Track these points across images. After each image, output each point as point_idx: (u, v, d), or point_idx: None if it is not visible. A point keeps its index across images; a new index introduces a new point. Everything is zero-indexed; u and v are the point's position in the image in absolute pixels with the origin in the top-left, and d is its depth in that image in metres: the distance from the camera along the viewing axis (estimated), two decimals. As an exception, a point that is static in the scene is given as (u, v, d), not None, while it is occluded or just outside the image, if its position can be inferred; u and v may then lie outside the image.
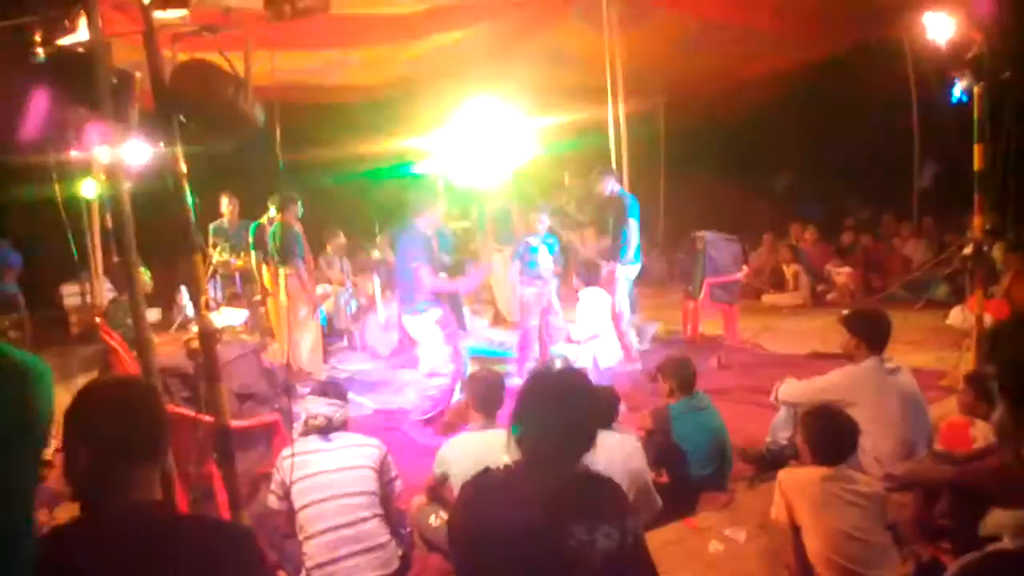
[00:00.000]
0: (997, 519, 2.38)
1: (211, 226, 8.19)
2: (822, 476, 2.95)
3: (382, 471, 3.58)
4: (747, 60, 9.48)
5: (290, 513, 3.50)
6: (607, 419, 4.01)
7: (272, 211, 7.33)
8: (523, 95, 7.63)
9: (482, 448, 3.48)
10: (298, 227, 7.24)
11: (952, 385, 5.39)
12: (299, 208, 7.27)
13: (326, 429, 3.61)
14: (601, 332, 6.08)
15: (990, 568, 1.16)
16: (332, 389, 3.79)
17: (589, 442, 2.01)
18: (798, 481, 2.98)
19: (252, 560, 1.69)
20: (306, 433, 3.65)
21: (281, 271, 7.20)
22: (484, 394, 3.86)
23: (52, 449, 4.52)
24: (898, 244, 10.01)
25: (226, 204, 8.26)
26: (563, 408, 1.97)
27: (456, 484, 3.54)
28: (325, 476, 3.46)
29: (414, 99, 9.61)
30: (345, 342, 8.64)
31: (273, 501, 3.58)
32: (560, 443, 1.96)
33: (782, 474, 3.07)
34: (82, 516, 1.67)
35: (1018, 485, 1.89)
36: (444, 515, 3.71)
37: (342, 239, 8.98)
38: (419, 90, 9.58)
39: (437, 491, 3.80)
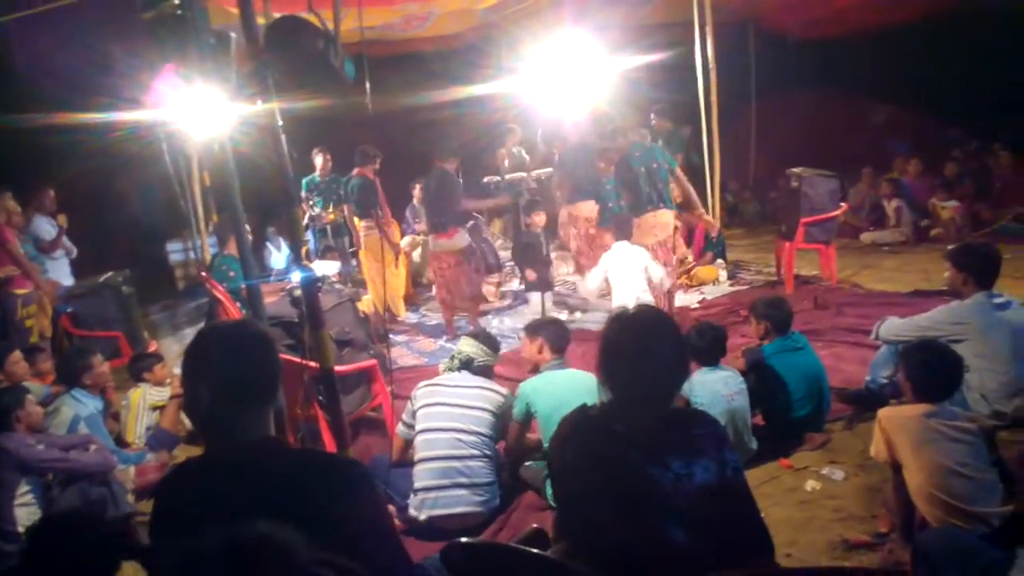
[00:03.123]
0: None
1: (304, 180, 8.44)
2: (924, 412, 2.87)
3: (503, 417, 3.77)
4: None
5: (409, 441, 3.80)
6: (715, 356, 4.03)
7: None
8: (604, 34, 7.45)
9: (564, 386, 3.65)
10: (376, 180, 7.37)
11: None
12: (377, 163, 7.39)
13: (465, 366, 3.86)
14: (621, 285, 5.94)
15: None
16: (484, 336, 4.09)
17: (679, 382, 2.02)
18: (899, 418, 2.91)
19: (369, 491, 1.74)
20: (449, 369, 3.95)
21: (359, 223, 7.41)
22: (557, 334, 4.05)
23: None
24: (1009, 175, 9.39)
25: (319, 158, 8.48)
26: (648, 352, 1.97)
27: (541, 419, 3.71)
28: (448, 408, 3.70)
29: (494, 46, 9.55)
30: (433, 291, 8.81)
31: (402, 429, 3.90)
32: (649, 387, 1.97)
33: (882, 412, 3.00)
34: (205, 453, 1.79)
35: None
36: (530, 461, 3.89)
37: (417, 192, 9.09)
38: (496, 36, 9.51)
39: (520, 439, 3.91)
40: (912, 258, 8.05)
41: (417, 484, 3.62)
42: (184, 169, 7.77)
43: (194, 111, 3.54)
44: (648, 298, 5.72)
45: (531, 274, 6.98)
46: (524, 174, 8.55)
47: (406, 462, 3.85)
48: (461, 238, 6.81)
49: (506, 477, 3.87)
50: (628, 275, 5.84)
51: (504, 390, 3.87)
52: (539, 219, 7.22)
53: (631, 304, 5.41)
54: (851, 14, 9.90)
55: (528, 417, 3.81)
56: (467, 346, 3.95)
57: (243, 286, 3.41)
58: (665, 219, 6.24)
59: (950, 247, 4.31)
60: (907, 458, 2.81)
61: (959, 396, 3.61)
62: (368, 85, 3.35)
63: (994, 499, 2.74)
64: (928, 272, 7.12)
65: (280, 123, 2.94)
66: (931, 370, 2.95)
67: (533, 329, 4.14)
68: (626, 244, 6.01)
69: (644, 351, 1.96)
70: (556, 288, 7.67)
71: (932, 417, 2.85)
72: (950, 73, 9.90)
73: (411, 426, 3.81)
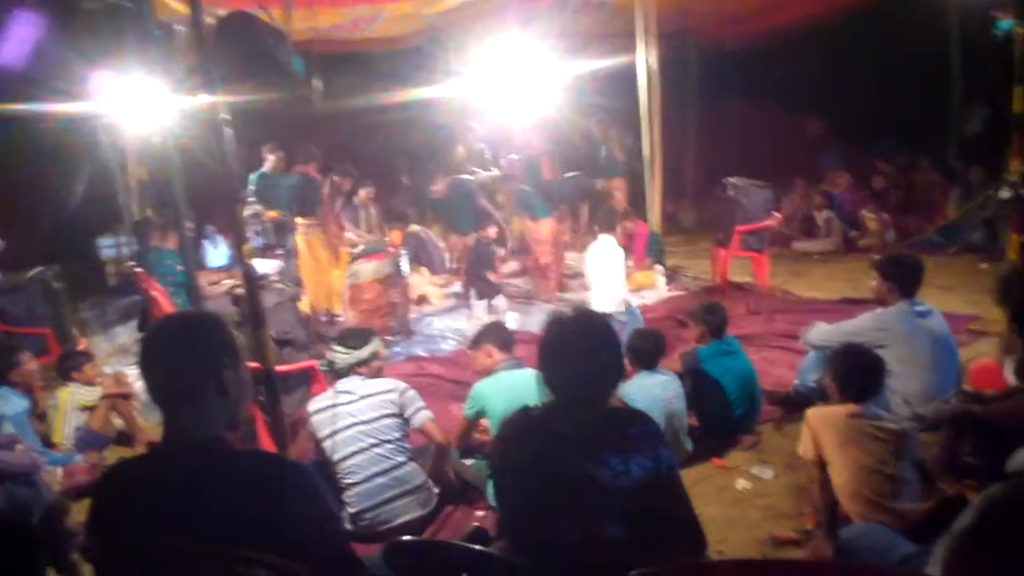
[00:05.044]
0: (1021, 457, 2.43)
1: (252, 176, 8.28)
2: (849, 412, 3.02)
3: (404, 411, 3.68)
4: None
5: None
6: (652, 360, 4.12)
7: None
8: (549, 42, 7.55)
9: (517, 385, 3.61)
10: (318, 179, 7.32)
11: (983, 329, 5.39)
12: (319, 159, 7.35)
13: (337, 374, 3.74)
14: (602, 281, 6.00)
15: (1016, 496, 1.19)
16: (347, 334, 3.92)
17: (616, 381, 2.09)
18: (826, 417, 3.05)
19: (312, 491, 1.72)
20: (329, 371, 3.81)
21: (299, 221, 7.34)
22: (498, 334, 4.06)
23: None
24: (933, 189, 9.83)
25: (270, 155, 8.33)
26: (585, 353, 2.03)
27: (493, 421, 3.68)
28: (352, 431, 3.58)
29: (441, 49, 9.56)
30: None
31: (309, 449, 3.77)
32: (587, 387, 2.03)
33: (810, 411, 3.14)
34: (149, 452, 1.77)
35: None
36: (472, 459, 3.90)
37: (371, 190, 9.03)
38: (444, 40, 9.53)
39: (466, 437, 3.93)
40: (841, 267, 8.35)
41: (352, 509, 3.55)
42: (119, 163, 7.58)
43: (132, 104, 3.48)
44: (630, 297, 5.80)
45: (482, 282, 7.08)
46: (491, 171, 8.67)
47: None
48: (386, 264, 6.75)
49: (449, 472, 3.87)
50: (611, 270, 5.85)
51: (393, 382, 3.76)
52: (492, 230, 7.46)
53: (611, 301, 5.62)
54: (785, 27, 10.22)
55: (478, 417, 3.82)
56: (333, 353, 3.80)
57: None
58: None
59: (877, 257, 4.50)
60: (833, 456, 2.95)
61: (883, 399, 3.78)
62: (319, 83, 3.35)
63: (913, 496, 2.89)
64: (856, 281, 7.40)
65: (226, 118, 2.92)
66: (855, 373, 3.10)
67: (475, 342, 4.11)
68: (611, 239, 6.04)
69: (581, 352, 2.02)
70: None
71: (857, 417, 2.99)
72: (880, 90, 10.34)
73: (315, 449, 3.70)
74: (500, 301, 7.06)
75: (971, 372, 4.26)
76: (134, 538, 1.64)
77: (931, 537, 2.40)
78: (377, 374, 3.79)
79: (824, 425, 3.00)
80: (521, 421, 2.10)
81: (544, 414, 2.07)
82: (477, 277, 7.11)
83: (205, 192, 3.57)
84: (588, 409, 2.03)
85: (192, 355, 1.71)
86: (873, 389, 3.13)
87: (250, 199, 8.27)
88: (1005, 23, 4.83)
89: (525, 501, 2.04)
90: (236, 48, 2.82)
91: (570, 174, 9.07)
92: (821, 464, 2.99)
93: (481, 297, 7.07)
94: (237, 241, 3.08)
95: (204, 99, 2.90)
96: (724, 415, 4.28)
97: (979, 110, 10.27)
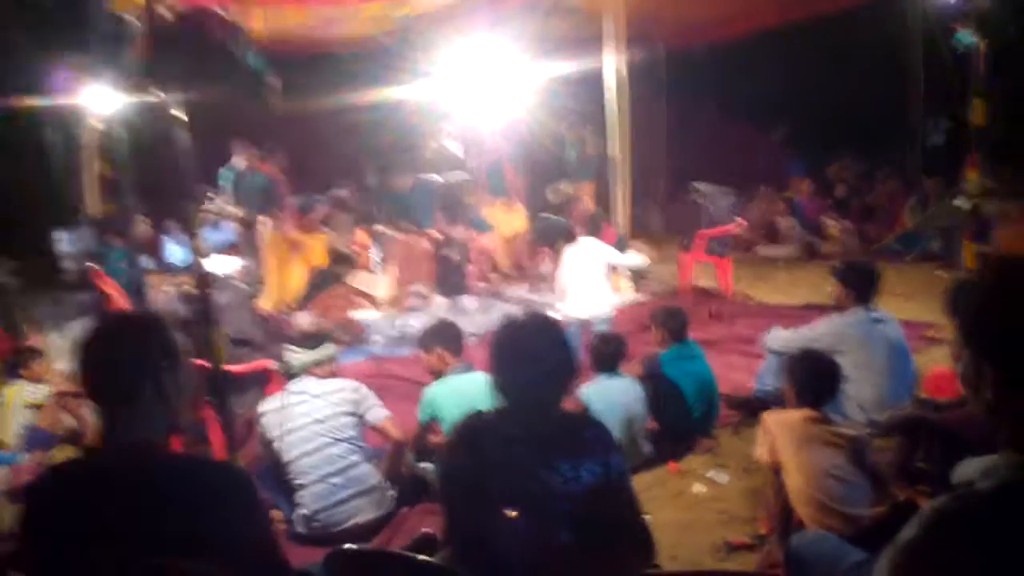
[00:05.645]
0: (966, 468, 2.45)
1: (223, 172, 8.15)
2: (804, 417, 3.04)
3: (359, 409, 3.63)
4: (751, 7, 9.35)
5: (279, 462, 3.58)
6: (613, 363, 4.11)
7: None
8: (520, 45, 7.54)
9: (469, 390, 3.58)
10: (279, 177, 7.24)
11: (940, 336, 5.47)
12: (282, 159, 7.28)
13: (296, 375, 3.68)
14: (576, 284, 5.86)
15: (959, 509, 1.19)
16: (303, 338, 3.89)
17: (567, 385, 2.08)
18: (782, 421, 3.07)
19: (247, 498, 1.70)
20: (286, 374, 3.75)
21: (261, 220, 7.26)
22: (448, 337, 4.02)
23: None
24: (894, 198, 9.99)
25: (239, 152, 8.21)
26: (534, 357, 2.02)
27: (446, 425, 3.64)
28: (305, 431, 3.52)
29: (411, 49, 9.49)
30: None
31: (260, 451, 3.69)
32: (537, 390, 2.03)
33: (766, 415, 3.16)
34: (81, 455, 1.72)
35: (987, 434, 1.95)
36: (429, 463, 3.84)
37: (343, 192, 8.95)
38: (413, 40, 9.46)
39: (422, 441, 3.89)
40: (803, 273, 8.44)
41: (304, 510, 3.49)
42: (75, 157, 7.40)
43: (88, 98, 3.40)
44: (606, 305, 5.70)
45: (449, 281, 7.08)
46: (440, 177, 8.60)
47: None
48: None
49: (407, 472, 3.82)
50: (587, 274, 5.72)
51: (348, 382, 3.73)
52: (458, 231, 7.51)
53: (585, 308, 5.55)
54: (752, 36, 10.33)
55: (432, 421, 3.78)
56: (288, 355, 3.76)
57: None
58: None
59: (836, 264, 4.56)
60: (788, 460, 2.96)
61: (839, 405, 3.82)
62: (276, 80, 3.30)
63: (864, 502, 2.91)
64: (817, 286, 7.48)
65: (179, 114, 2.86)
66: (810, 376, 3.13)
67: (425, 342, 4.05)
68: (593, 240, 5.92)
69: (530, 355, 2.00)
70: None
71: (813, 422, 3.01)
72: (844, 99, 10.50)
73: (267, 450, 3.63)
74: (467, 300, 7.03)
75: (927, 379, 4.31)
76: (65, 547, 1.60)
77: (882, 544, 2.42)
78: (332, 375, 3.73)
79: (781, 429, 3.02)
80: (472, 425, 2.08)
81: (495, 418, 2.05)
82: (444, 276, 7.07)
83: (163, 189, 3.51)
84: (539, 413, 2.01)
85: (128, 354, 1.68)
86: (829, 394, 3.16)
87: (219, 196, 8.18)
88: (966, 36, 4.93)
89: (474, 507, 2.01)
90: (189, 41, 2.76)
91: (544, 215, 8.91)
92: (776, 468, 3.01)
93: (446, 295, 7.04)
94: (190, 238, 3.02)
95: (156, 94, 2.84)
96: (682, 419, 4.28)
97: (940, 122, 10.47)
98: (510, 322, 2.10)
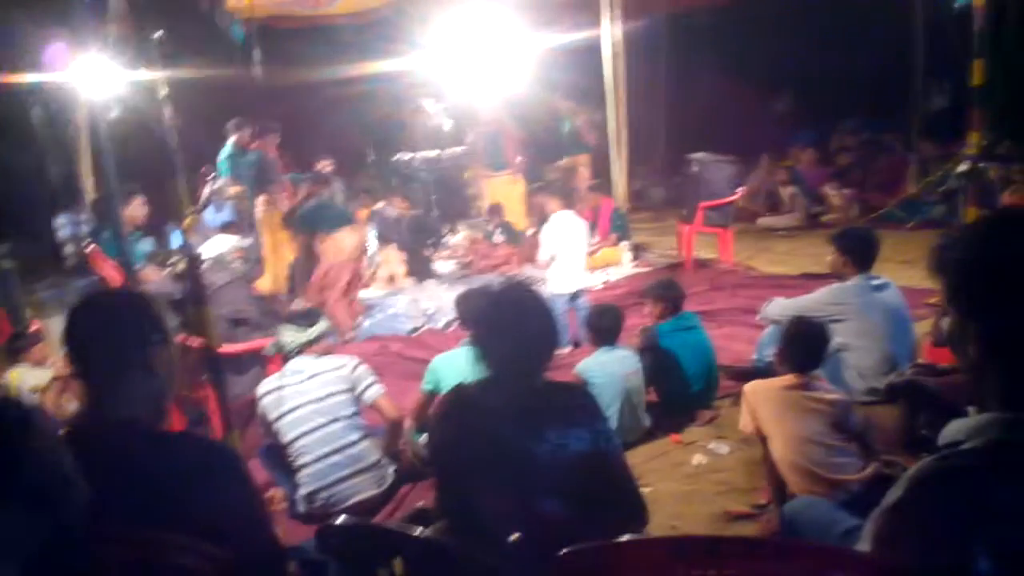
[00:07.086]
0: (952, 428, 2.44)
1: (223, 152, 8.10)
2: (784, 384, 3.03)
3: (355, 387, 3.63)
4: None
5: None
6: (611, 336, 4.10)
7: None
8: (517, 13, 7.45)
9: (467, 363, 3.56)
10: (273, 154, 7.19)
11: (940, 302, 5.43)
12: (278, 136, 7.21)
13: (291, 354, 3.67)
14: (560, 256, 5.69)
15: (944, 469, 1.18)
16: (299, 315, 3.88)
17: (549, 353, 2.07)
18: (762, 391, 3.06)
19: (233, 473, 1.69)
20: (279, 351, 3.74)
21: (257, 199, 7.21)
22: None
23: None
24: (896, 164, 9.89)
25: (235, 130, 8.16)
26: (517, 326, 2.01)
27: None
28: (303, 410, 3.51)
29: (407, 20, 9.40)
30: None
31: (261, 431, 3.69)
32: (520, 360, 2.02)
33: (747, 385, 3.16)
34: (68, 431, 1.71)
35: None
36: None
37: (326, 167, 8.88)
38: (409, 10, 9.36)
39: (423, 412, 3.88)
40: (804, 242, 8.38)
41: (304, 490, 3.49)
42: (74, 139, 7.38)
43: (78, 77, 3.36)
44: (587, 278, 5.68)
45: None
46: (438, 151, 8.52)
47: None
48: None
49: (407, 449, 3.82)
50: (573, 248, 5.68)
51: (345, 358, 3.72)
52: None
53: (573, 281, 5.51)
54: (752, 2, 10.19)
55: (435, 391, 3.78)
56: (282, 335, 3.75)
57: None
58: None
59: (834, 232, 4.52)
60: (770, 428, 2.96)
61: (836, 372, 3.81)
62: (257, 52, 3.24)
63: (851, 467, 2.91)
64: (819, 256, 7.38)
65: (164, 90, 2.83)
66: (797, 342, 3.11)
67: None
68: (571, 214, 5.87)
69: (513, 325, 1.99)
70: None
71: (793, 389, 3.01)
72: (845, 65, 10.36)
73: (266, 432, 3.63)
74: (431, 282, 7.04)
75: (927, 345, 4.29)
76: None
77: (872, 509, 2.42)
78: (327, 352, 3.72)
79: (760, 398, 3.02)
80: (457, 397, 2.08)
81: (479, 389, 2.04)
82: (413, 254, 7.04)
83: (151, 168, 3.47)
84: (523, 382, 2.00)
85: (117, 331, 1.67)
86: (814, 358, 3.12)
87: (219, 175, 8.14)
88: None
89: (463, 479, 2.01)
90: (171, 13, 2.72)
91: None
92: (762, 438, 3.00)
93: (414, 275, 7.02)
94: (176, 216, 2.99)
95: (141, 71, 2.81)
96: (682, 391, 4.28)
97: (942, 85, 10.32)
98: (489, 291, 2.09)
